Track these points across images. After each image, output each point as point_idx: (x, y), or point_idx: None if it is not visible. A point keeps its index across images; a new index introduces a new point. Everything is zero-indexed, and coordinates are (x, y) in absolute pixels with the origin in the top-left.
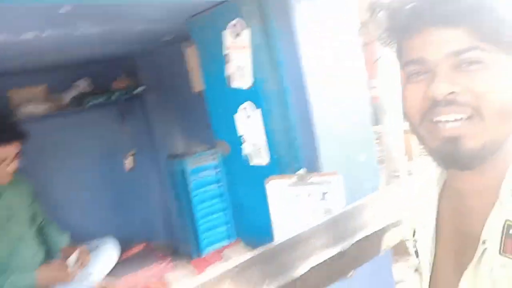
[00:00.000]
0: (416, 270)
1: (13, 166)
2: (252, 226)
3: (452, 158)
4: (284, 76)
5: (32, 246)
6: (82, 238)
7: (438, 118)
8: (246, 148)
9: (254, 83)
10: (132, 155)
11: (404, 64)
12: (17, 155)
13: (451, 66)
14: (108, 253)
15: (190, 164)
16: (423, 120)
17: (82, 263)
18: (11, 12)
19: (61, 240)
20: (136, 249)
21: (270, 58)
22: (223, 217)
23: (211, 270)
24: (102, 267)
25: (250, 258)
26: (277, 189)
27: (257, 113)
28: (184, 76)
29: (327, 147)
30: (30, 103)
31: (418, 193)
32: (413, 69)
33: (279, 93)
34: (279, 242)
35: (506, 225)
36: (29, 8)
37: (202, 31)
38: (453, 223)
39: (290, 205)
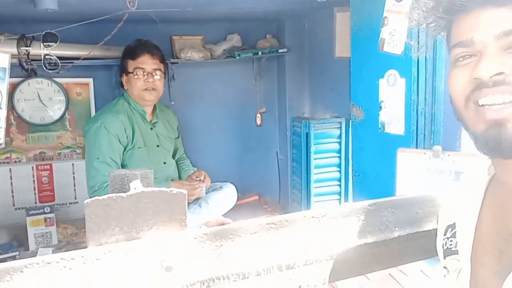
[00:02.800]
0: (445, 267)
1: (151, 84)
2: (373, 194)
3: (497, 144)
4: (439, 44)
5: (172, 172)
6: None
7: (484, 101)
8: (383, 115)
9: (405, 50)
10: (261, 112)
11: (451, 48)
12: (155, 71)
13: (501, 47)
14: (229, 196)
15: (315, 128)
16: (467, 103)
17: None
18: None
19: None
20: (249, 199)
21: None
22: (337, 187)
23: (346, 204)
24: (221, 206)
25: (386, 200)
26: (408, 161)
27: (402, 82)
28: (326, 41)
29: None
30: (190, 50)
31: (461, 190)
32: (460, 52)
33: (430, 62)
34: (413, 196)
35: None
36: None
37: None
38: (498, 219)
39: (419, 179)
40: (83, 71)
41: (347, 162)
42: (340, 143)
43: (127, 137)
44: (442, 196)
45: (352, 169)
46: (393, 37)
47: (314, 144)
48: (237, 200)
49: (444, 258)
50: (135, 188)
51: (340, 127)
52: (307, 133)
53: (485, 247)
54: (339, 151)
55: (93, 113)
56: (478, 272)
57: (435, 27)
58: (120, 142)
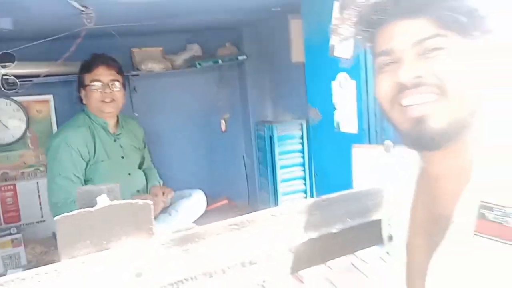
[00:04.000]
0: (388, 253)
1: (109, 95)
2: (334, 190)
3: (420, 138)
4: None
5: (139, 183)
6: (174, 187)
7: (406, 102)
8: (338, 116)
9: (354, 54)
10: (225, 118)
11: (375, 56)
12: (112, 82)
13: (417, 54)
14: (198, 202)
15: (278, 131)
16: (393, 105)
17: (166, 195)
18: None
19: (156, 184)
20: (219, 204)
21: None
22: (303, 185)
23: (301, 201)
24: (191, 213)
25: (337, 196)
26: (362, 157)
27: (352, 84)
28: (283, 47)
29: None
30: (150, 61)
31: (397, 180)
32: (383, 60)
33: None
34: (361, 189)
35: (478, 206)
36: None
37: (312, 2)
38: (427, 206)
39: (373, 174)
40: (42, 88)
41: (310, 161)
42: (302, 143)
43: (88, 152)
44: (385, 188)
45: (313, 168)
46: (342, 43)
47: (278, 146)
48: (207, 205)
49: (387, 244)
50: (102, 203)
51: (302, 128)
52: (270, 136)
53: (418, 232)
54: (302, 151)
55: (55, 130)
56: (413, 254)
57: (361, 39)
58: (81, 157)
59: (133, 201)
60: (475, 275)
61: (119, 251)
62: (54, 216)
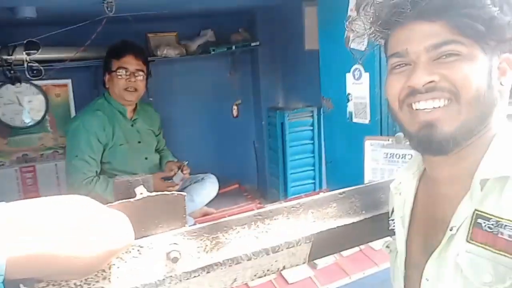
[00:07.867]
0: (387, 247)
1: (132, 83)
2: (344, 179)
3: (428, 142)
4: None
5: (154, 166)
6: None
7: (417, 106)
8: (351, 106)
9: (369, 46)
10: (237, 104)
11: (388, 57)
12: (137, 72)
13: (431, 58)
14: (210, 186)
15: (289, 118)
16: (403, 106)
17: (185, 174)
18: None
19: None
20: (230, 188)
21: None
22: (312, 172)
23: (321, 194)
24: (204, 197)
25: (354, 188)
26: (373, 147)
27: (366, 76)
28: (297, 34)
29: None
30: (165, 47)
31: (401, 178)
32: (397, 61)
33: None
34: (378, 182)
35: (474, 215)
36: None
37: None
38: (426, 208)
39: (384, 164)
40: (61, 73)
41: (320, 148)
42: (313, 130)
43: (106, 136)
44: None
45: (325, 157)
46: (358, 34)
47: (289, 133)
48: (219, 189)
49: (391, 237)
50: (141, 194)
51: (313, 115)
52: (282, 123)
53: (417, 230)
54: (312, 138)
55: (73, 113)
56: (411, 251)
57: (374, 37)
58: (98, 140)
59: (169, 193)
60: (468, 281)
61: (157, 238)
62: None
